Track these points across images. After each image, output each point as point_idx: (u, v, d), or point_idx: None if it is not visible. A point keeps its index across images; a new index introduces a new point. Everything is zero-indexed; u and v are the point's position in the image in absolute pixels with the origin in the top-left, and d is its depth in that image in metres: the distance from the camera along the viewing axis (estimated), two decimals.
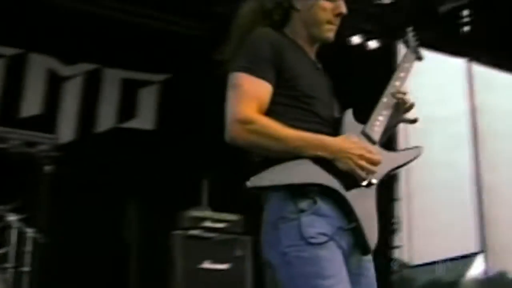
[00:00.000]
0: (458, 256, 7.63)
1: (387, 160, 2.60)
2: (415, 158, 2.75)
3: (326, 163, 2.43)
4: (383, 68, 7.75)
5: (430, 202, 9.93)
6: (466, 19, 9.79)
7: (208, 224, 6.89)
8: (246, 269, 6.85)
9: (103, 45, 8.09)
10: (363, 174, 2.45)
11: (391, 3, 8.54)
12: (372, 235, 2.47)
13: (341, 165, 2.43)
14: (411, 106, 2.81)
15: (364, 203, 2.48)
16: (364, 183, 2.48)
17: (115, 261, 7.28)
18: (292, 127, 2.45)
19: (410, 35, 3.08)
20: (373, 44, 9.23)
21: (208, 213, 7.02)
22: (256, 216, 7.58)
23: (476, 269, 7.85)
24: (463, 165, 9.94)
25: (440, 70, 9.41)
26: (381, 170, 2.55)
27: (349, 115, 2.66)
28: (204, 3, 8.34)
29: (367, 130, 2.64)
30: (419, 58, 3.04)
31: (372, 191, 2.54)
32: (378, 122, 2.69)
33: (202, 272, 6.61)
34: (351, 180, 2.46)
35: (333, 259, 2.36)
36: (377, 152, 2.53)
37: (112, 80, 8.37)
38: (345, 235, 2.43)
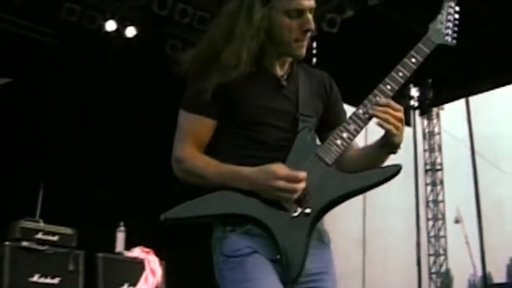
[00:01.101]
0: None
1: (337, 184, 2.51)
2: (389, 177, 2.52)
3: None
4: None
5: None
6: (314, 51, 10.11)
7: (40, 236, 6.61)
8: (78, 284, 6.64)
9: None
10: (287, 205, 2.43)
11: None
12: (293, 266, 2.41)
13: (265, 195, 2.44)
14: (398, 130, 2.52)
15: (293, 233, 2.43)
16: (295, 213, 2.44)
17: None
18: (233, 154, 2.54)
19: (448, 8, 2.75)
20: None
21: (41, 225, 6.74)
22: (90, 230, 7.39)
23: None
24: None
25: None
26: (324, 197, 2.48)
27: (303, 135, 2.59)
28: (54, 10, 8.13)
29: (320, 152, 2.53)
30: (450, 43, 2.71)
31: (307, 220, 2.46)
32: (339, 140, 2.53)
33: (31, 286, 6.33)
34: (283, 209, 2.45)
35: (259, 263, 2.42)
36: (300, 180, 2.41)
37: None
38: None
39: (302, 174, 2.42)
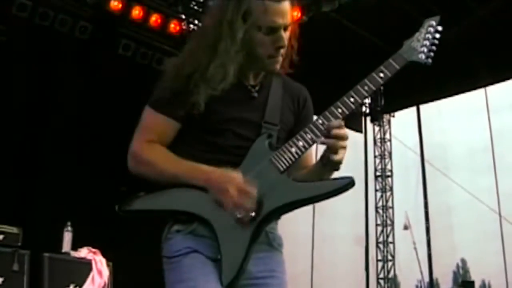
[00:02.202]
0: None
1: (285, 192, 2.52)
2: (339, 188, 2.51)
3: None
4: None
5: None
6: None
7: None
8: (22, 284, 6.52)
9: None
10: (230, 208, 2.45)
11: None
12: (228, 270, 2.44)
13: (212, 195, 2.47)
14: (337, 150, 2.53)
15: (235, 235, 2.46)
16: (239, 215, 2.45)
17: None
18: (193, 156, 2.55)
19: (428, 27, 2.74)
20: None
21: None
22: (36, 229, 7.26)
23: None
24: None
25: None
26: (271, 203, 2.49)
27: (260, 141, 2.61)
28: (4, 4, 7.99)
29: (274, 158, 2.55)
30: (423, 61, 2.68)
31: (252, 224, 2.48)
32: (294, 148, 2.55)
33: None
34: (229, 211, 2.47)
35: (195, 264, 2.47)
36: (247, 190, 2.44)
37: None
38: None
39: (254, 193, 2.45)
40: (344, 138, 2.53)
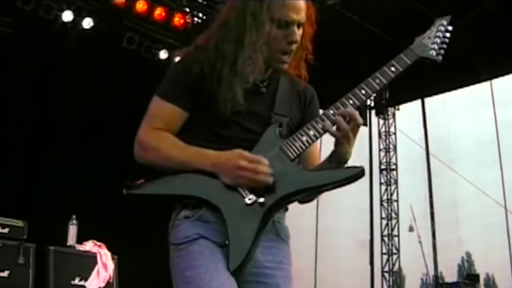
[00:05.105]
0: None
1: (296, 179, 2.51)
2: (350, 177, 2.50)
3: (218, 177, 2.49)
4: None
5: None
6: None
7: None
8: (28, 277, 6.54)
9: None
10: (243, 190, 2.45)
11: None
12: (236, 256, 2.42)
13: (223, 179, 2.47)
14: (344, 138, 2.53)
15: (244, 221, 2.44)
16: (248, 201, 2.45)
17: None
18: (195, 144, 2.54)
19: (439, 26, 2.79)
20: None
21: None
22: (41, 222, 7.26)
23: None
24: None
25: None
26: (280, 190, 2.48)
27: (270, 130, 2.62)
28: None
29: (285, 146, 2.56)
30: (434, 57, 2.72)
31: (261, 210, 2.46)
32: (305, 137, 2.56)
33: None
34: (238, 196, 2.47)
35: (204, 251, 2.46)
36: (264, 164, 2.45)
37: None
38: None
39: (265, 160, 2.47)
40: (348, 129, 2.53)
